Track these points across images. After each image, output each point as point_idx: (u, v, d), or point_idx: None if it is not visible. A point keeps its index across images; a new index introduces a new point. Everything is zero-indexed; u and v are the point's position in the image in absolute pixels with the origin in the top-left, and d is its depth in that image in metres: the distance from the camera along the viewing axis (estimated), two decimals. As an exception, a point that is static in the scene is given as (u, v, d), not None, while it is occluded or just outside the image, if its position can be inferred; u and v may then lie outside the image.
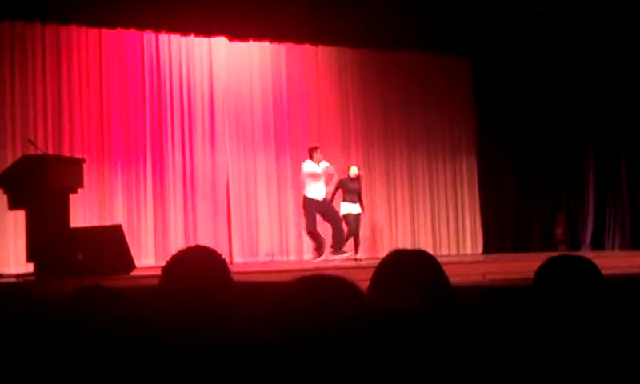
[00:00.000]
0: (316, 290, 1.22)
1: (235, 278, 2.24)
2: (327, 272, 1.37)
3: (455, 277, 2.46)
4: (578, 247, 13.54)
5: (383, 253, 13.14)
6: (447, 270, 2.12)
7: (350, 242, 11.55)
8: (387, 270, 1.99)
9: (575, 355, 1.91)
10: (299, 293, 1.22)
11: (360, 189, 11.70)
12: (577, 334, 1.98)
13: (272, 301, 1.23)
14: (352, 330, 1.17)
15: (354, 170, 11.68)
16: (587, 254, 11.39)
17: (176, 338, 1.70)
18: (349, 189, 11.56)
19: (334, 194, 11.57)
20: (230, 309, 1.86)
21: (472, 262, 11.06)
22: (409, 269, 1.98)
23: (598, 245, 13.42)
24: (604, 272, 2.20)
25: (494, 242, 14.31)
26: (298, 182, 12.89)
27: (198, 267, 2.00)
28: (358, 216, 11.63)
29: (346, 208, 11.53)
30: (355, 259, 11.40)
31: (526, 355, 1.99)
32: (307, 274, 1.30)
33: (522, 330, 2.07)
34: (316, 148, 11.32)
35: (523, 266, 9.75)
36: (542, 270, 2.13)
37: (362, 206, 11.71)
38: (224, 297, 1.95)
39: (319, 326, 1.17)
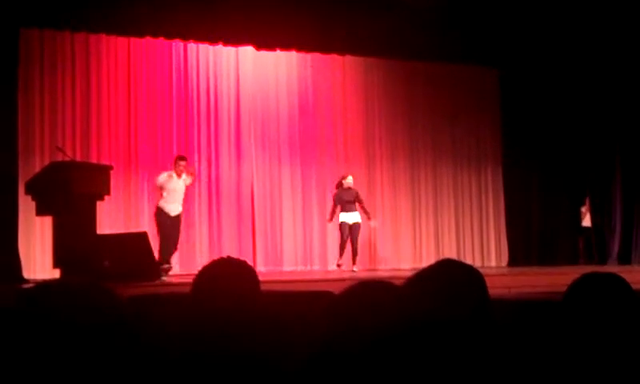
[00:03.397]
0: (366, 296, 1.23)
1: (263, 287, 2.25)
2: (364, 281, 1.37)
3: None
4: (604, 261, 13.41)
5: (406, 264, 13.23)
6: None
7: (348, 251, 11.65)
8: (433, 278, 1.98)
9: (606, 373, 1.90)
10: (351, 300, 1.23)
11: (357, 198, 11.69)
12: (609, 353, 1.96)
13: (326, 308, 1.24)
14: (398, 333, 1.18)
15: (347, 181, 11.71)
16: (614, 268, 11.35)
17: (209, 348, 1.71)
18: (343, 200, 11.59)
19: (332, 210, 11.65)
20: (261, 319, 1.88)
21: (497, 275, 11.01)
22: (451, 278, 1.98)
23: (625, 259, 13.28)
24: (633, 287, 2.18)
25: (519, 255, 14.21)
26: (323, 191, 12.93)
27: (228, 279, 2.01)
28: (354, 225, 11.64)
29: (341, 217, 11.60)
30: (352, 271, 11.45)
31: (555, 371, 1.98)
32: (355, 282, 1.31)
33: (552, 345, 2.06)
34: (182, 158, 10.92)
35: (549, 279, 9.73)
36: (575, 286, 2.11)
37: (365, 212, 11.72)
38: (255, 308, 1.96)
39: (369, 330, 1.17)
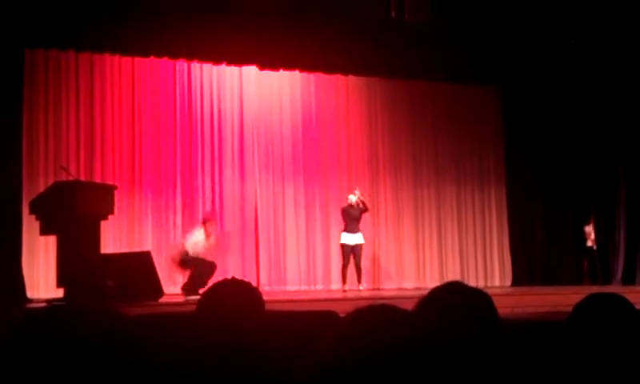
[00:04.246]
0: (373, 320, 1.23)
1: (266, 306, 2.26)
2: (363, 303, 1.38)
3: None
4: (609, 281, 13.37)
5: (410, 283, 13.20)
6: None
7: (353, 272, 11.63)
8: (440, 300, 1.98)
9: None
10: (356, 323, 1.23)
11: (361, 210, 11.72)
12: (613, 373, 1.96)
13: (331, 331, 1.24)
14: (406, 355, 1.18)
15: (351, 198, 11.72)
16: (618, 288, 11.32)
17: (214, 368, 1.72)
18: (350, 216, 11.61)
19: (345, 223, 11.67)
20: (265, 339, 1.88)
21: (501, 295, 10.97)
22: (462, 301, 1.98)
23: (629, 279, 13.24)
24: (637, 307, 2.17)
25: (522, 275, 14.18)
26: (327, 210, 12.95)
27: (233, 299, 2.01)
28: (356, 247, 11.63)
29: (344, 238, 11.61)
30: (359, 290, 11.45)
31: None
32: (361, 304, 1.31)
33: (556, 366, 2.06)
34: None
35: (552, 299, 9.70)
36: (580, 307, 2.11)
37: (364, 204, 11.70)
38: (260, 328, 1.96)
39: (377, 352, 1.18)
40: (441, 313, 1.92)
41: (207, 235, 10.40)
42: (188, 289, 10.00)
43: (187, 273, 10.30)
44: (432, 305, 1.95)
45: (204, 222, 10.59)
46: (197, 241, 10.34)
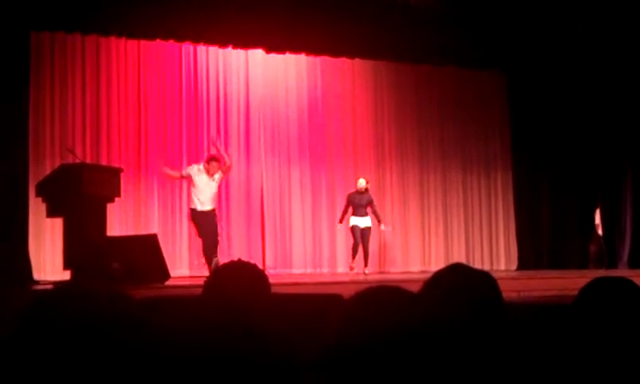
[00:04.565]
0: (377, 300, 1.24)
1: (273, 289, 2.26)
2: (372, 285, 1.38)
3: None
4: (614, 265, 13.36)
5: (415, 267, 13.23)
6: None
7: (360, 256, 11.62)
8: (446, 281, 1.98)
9: (617, 377, 1.90)
10: (362, 305, 1.23)
11: (370, 201, 11.66)
12: (620, 357, 1.96)
13: (337, 313, 1.25)
14: (410, 336, 1.18)
15: (360, 183, 11.68)
16: (624, 272, 11.31)
17: (219, 351, 1.72)
18: (355, 203, 11.57)
19: (344, 210, 11.63)
20: (271, 321, 1.88)
21: (507, 278, 10.98)
22: (466, 283, 1.98)
23: (635, 262, 13.22)
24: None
25: (528, 259, 14.17)
26: (332, 194, 12.95)
27: (239, 281, 2.01)
28: (365, 229, 11.61)
29: (352, 221, 11.59)
30: (364, 274, 11.46)
31: (566, 375, 1.97)
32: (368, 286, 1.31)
33: (562, 349, 2.06)
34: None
35: (559, 283, 9.70)
36: (586, 290, 2.11)
37: (377, 217, 11.67)
38: (265, 310, 1.97)
39: (382, 333, 1.18)
40: (444, 295, 1.92)
41: (207, 171, 10.29)
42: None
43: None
44: (436, 287, 1.96)
45: (207, 161, 10.44)
46: (194, 169, 10.35)
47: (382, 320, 1.18)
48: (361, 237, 11.58)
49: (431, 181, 13.94)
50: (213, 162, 10.32)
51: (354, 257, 11.70)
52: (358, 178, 11.85)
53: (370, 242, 11.78)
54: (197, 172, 10.31)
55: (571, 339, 2.08)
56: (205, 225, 10.25)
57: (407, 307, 1.21)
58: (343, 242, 12.47)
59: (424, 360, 1.16)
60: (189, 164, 12.00)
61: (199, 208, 10.23)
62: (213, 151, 11.02)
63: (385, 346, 1.15)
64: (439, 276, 2.02)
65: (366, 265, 11.67)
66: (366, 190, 11.63)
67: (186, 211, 11.89)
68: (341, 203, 12.25)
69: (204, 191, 10.24)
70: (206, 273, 9.45)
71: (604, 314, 2.02)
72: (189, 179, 10.38)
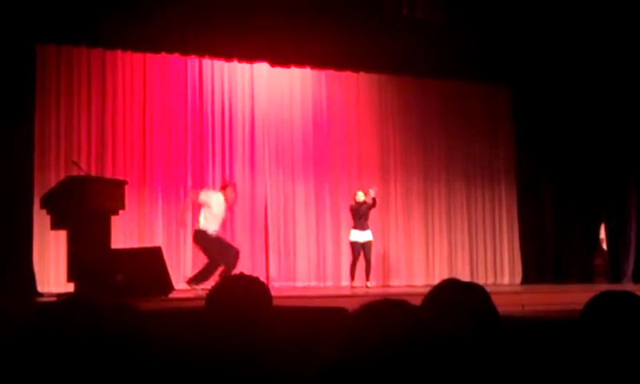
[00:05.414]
0: (381, 314, 1.24)
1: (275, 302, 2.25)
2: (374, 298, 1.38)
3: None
4: (619, 279, 13.31)
5: (419, 280, 13.22)
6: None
7: (362, 269, 11.64)
8: (441, 297, 1.98)
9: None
10: (366, 319, 1.23)
11: (369, 207, 11.69)
12: (625, 372, 1.95)
13: (341, 326, 1.25)
14: (413, 351, 1.18)
15: (359, 196, 11.72)
16: (629, 286, 11.27)
17: (221, 364, 1.72)
18: (358, 214, 11.61)
19: (354, 220, 11.71)
20: (273, 335, 1.88)
21: (511, 293, 10.94)
22: (462, 298, 1.98)
23: (640, 277, 13.18)
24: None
25: (532, 272, 14.14)
26: (337, 207, 12.95)
27: (241, 295, 2.01)
28: (366, 243, 11.65)
29: (353, 235, 11.61)
30: (366, 287, 11.45)
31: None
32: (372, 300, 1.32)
33: (568, 364, 2.05)
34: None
35: (563, 297, 9.65)
36: (592, 305, 2.10)
37: (374, 200, 11.67)
38: (267, 324, 1.96)
39: (383, 348, 1.18)
40: (443, 311, 1.92)
41: (226, 200, 10.50)
42: (192, 280, 10.16)
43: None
44: (432, 303, 1.96)
45: (223, 188, 10.67)
46: (213, 196, 10.48)
47: (387, 334, 1.18)
48: (362, 251, 11.60)
49: (435, 194, 13.93)
50: (229, 189, 10.62)
51: (352, 277, 11.69)
52: (357, 192, 11.92)
53: (372, 255, 11.79)
54: (215, 197, 10.48)
55: (577, 354, 2.07)
56: (215, 246, 10.35)
57: (412, 322, 1.21)
58: (347, 255, 12.45)
59: (428, 375, 1.16)
60: (193, 176, 12.04)
61: (210, 230, 10.35)
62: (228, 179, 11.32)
63: (389, 360, 1.15)
64: (434, 293, 2.03)
65: (367, 278, 11.68)
66: (364, 202, 11.68)
67: (190, 223, 11.90)
68: (345, 215, 12.26)
69: (220, 216, 10.46)
70: (209, 286, 9.46)
71: (610, 329, 2.02)
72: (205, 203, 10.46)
